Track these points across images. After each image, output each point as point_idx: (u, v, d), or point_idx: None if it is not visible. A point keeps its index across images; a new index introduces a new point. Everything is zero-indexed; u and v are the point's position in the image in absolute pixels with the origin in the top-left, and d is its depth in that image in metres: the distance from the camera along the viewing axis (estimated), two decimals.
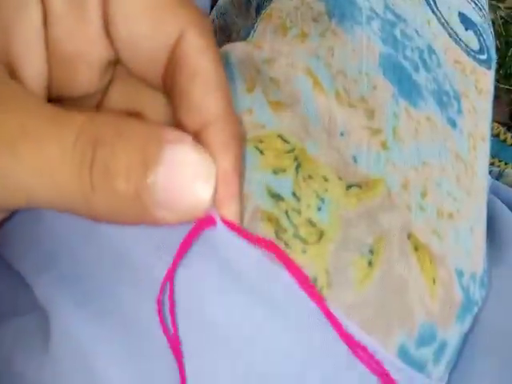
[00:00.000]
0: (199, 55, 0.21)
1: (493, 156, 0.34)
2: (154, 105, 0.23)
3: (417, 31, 0.31)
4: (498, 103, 0.39)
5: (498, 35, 0.38)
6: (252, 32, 0.31)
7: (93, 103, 0.24)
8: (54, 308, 0.24)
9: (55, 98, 0.22)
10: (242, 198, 0.23)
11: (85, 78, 0.22)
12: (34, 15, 0.20)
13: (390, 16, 0.31)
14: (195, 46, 0.21)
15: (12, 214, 0.25)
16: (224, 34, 0.36)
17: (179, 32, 0.21)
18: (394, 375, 0.24)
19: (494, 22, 0.38)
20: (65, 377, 0.23)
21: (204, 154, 0.20)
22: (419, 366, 0.25)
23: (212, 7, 0.36)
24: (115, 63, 0.23)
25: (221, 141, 0.21)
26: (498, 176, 0.51)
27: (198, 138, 0.21)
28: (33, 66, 0.21)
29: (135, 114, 0.23)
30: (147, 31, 0.21)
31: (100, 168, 0.18)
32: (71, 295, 0.24)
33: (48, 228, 0.24)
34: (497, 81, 0.36)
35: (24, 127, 0.18)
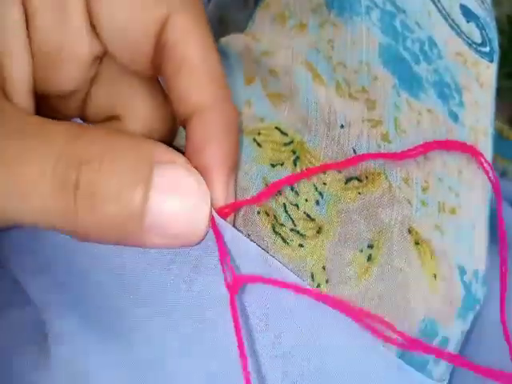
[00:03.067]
0: (186, 40, 0.20)
1: (495, 153, 0.33)
2: (135, 106, 0.22)
3: (417, 23, 0.31)
4: (501, 100, 0.38)
5: (501, 32, 0.38)
6: (250, 22, 0.31)
7: (76, 102, 0.23)
8: (48, 313, 0.23)
9: (40, 96, 0.22)
10: (231, 192, 0.22)
11: (69, 72, 0.21)
12: (15, 13, 0.19)
13: (389, 7, 0.30)
14: (182, 30, 0.20)
15: None
16: (222, 26, 0.35)
17: (165, 15, 0.20)
18: (394, 374, 0.23)
19: (498, 20, 0.38)
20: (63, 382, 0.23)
21: (197, 176, 0.19)
22: (420, 365, 0.24)
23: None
24: (99, 60, 0.22)
25: (206, 133, 0.20)
26: (502, 174, 0.50)
27: (186, 125, 0.21)
28: (16, 66, 0.20)
29: (117, 116, 0.23)
30: (131, 17, 0.20)
31: (85, 191, 0.17)
32: (65, 301, 0.23)
33: (44, 235, 0.24)
34: (500, 78, 0.35)
35: (3, 149, 0.17)
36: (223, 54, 0.29)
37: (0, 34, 0.19)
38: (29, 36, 0.20)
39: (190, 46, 0.20)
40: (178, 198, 0.18)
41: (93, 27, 0.21)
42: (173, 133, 0.23)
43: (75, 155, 0.17)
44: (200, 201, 0.19)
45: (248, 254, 0.21)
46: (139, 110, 0.22)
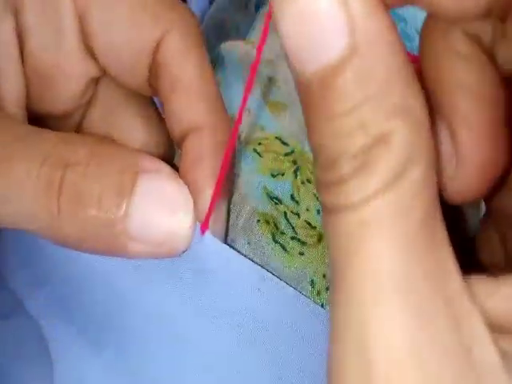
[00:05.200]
0: (181, 60, 0.20)
1: None
2: (131, 130, 0.22)
3: (418, 30, 0.31)
4: None
5: None
6: (251, 29, 0.31)
7: (73, 124, 0.23)
8: (47, 326, 0.23)
9: (35, 117, 0.22)
10: (221, 209, 0.22)
11: (64, 92, 0.21)
12: (6, 29, 0.20)
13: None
14: (176, 50, 0.20)
15: None
16: (222, 30, 0.35)
17: (160, 35, 0.20)
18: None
19: None
20: None
21: (182, 185, 0.19)
22: None
23: (211, 3, 0.36)
24: (95, 82, 0.22)
25: (198, 152, 0.20)
26: None
27: (181, 144, 0.21)
28: (9, 82, 0.20)
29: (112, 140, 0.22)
30: (126, 37, 0.20)
31: (69, 192, 0.17)
32: (63, 314, 0.23)
33: (42, 248, 0.24)
34: None
35: None
36: (223, 60, 0.29)
37: None
38: (22, 55, 0.20)
39: (185, 65, 0.20)
40: (161, 206, 0.18)
41: (88, 48, 0.21)
42: (169, 157, 0.23)
43: (62, 157, 0.18)
44: (183, 209, 0.19)
45: (242, 270, 0.21)
46: (135, 135, 0.22)
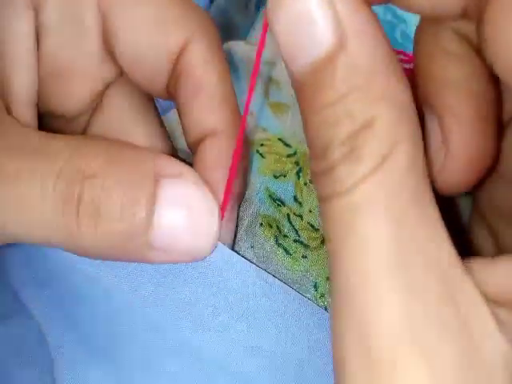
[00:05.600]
0: (204, 68, 0.20)
1: None
2: (135, 137, 0.22)
3: None
4: None
5: None
6: (251, 30, 0.31)
7: (77, 128, 0.22)
8: (49, 327, 0.23)
9: (44, 114, 0.21)
10: (233, 219, 0.22)
11: (78, 93, 0.21)
12: (24, 23, 0.19)
13: (389, 17, 0.30)
14: (200, 57, 0.20)
15: None
16: (223, 31, 0.35)
17: (183, 42, 0.20)
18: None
19: None
20: None
21: (205, 189, 0.18)
22: None
23: (211, 3, 0.36)
24: (105, 89, 0.22)
25: (214, 157, 0.20)
26: None
27: (196, 148, 0.21)
28: (22, 78, 0.20)
29: None
30: (149, 41, 0.20)
31: (88, 207, 0.17)
32: (65, 316, 0.23)
33: (44, 249, 0.23)
34: None
35: (2, 165, 0.17)
36: (233, 59, 0.29)
37: (6, 46, 0.19)
38: (39, 49, 0.20)
39: (207, 72, 0.20)
40: (184, 213, 0.18)
41: (109, 49, 0.21)
42: None
43: (78, 170, 0.17)
44: (208, 214, 0.18)
45: (247, 274, 0.21)
46: (140, 141, 0.22)
